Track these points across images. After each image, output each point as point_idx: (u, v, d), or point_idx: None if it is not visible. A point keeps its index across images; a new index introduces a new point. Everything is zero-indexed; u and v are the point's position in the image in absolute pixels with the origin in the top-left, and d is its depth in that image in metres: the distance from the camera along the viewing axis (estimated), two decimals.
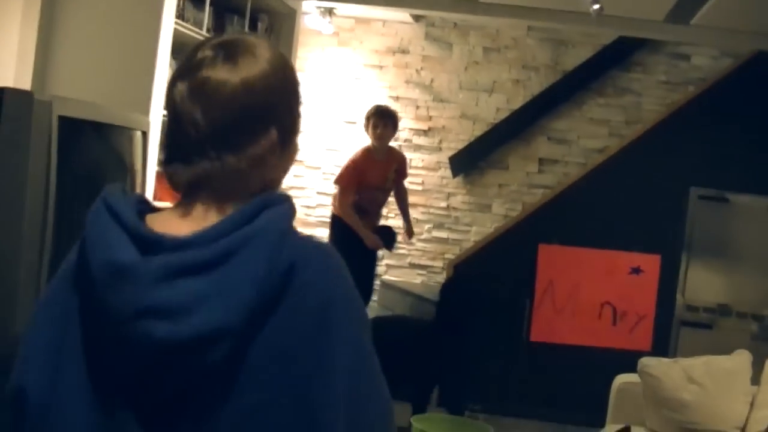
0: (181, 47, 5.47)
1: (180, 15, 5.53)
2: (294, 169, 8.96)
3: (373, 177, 7.54)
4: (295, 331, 1.55)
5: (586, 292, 7.69)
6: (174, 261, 1.52)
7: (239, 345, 1.52)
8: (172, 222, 1.64)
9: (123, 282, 1.53)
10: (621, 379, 5.74)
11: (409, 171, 8.25)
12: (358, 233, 7.40)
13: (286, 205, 1.63)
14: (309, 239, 1.65)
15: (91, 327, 1.63)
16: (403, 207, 8.04)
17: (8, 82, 4.54)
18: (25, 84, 4.71)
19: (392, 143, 7.84)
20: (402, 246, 8.90)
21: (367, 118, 7.59)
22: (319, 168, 9.31)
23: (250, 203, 1.61)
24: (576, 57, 8.83)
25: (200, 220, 1.63)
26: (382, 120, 7.51)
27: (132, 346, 1.53)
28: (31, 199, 3.42)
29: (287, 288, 1.55)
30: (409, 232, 8.09)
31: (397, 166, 7.76)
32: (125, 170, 4.19)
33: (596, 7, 6.34)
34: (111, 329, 1.56)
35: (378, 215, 7.86)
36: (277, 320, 1.54)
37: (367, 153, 7.59)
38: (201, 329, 1.49)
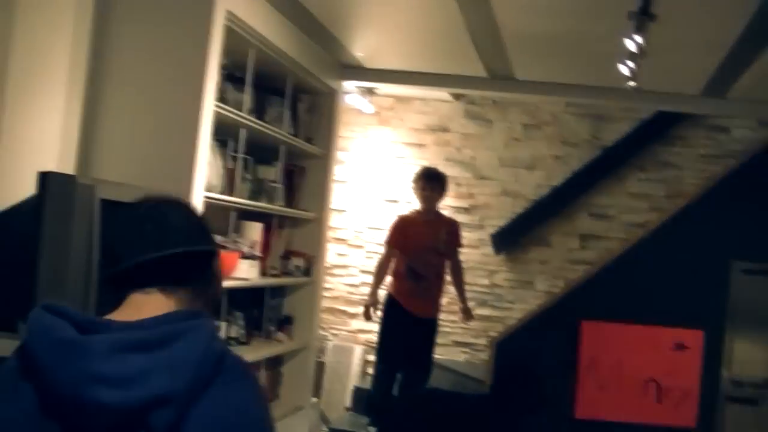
0: (222, 129, 5.56)
1: (221, 97, 5.61)
2: (337, 248, 9.07)
3: (420, 236, 7.49)
4: (226, 409, 1.82)
5: (629, 369, 7.64)
6: (122, 338, 1.77)
7: (179, 416, 1.75)
8: (120, 316, 1.93)
9: (72, 355, 1.74)
10: None
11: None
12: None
13: (211, 319, 1.95)
14: (227, 346, 1.94)
15: (44, 410, 1.81)
16: (458, 283, 7.89)
17: (52, 164, 4.63)
18: (69, 166, 4.80)
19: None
20: (445, 324, 8.88)
21: (416, 180, 7.60)
22: (362, 247, 9.36)
23: (184, 310, 1.95)
24: (615, 132, 8.87)
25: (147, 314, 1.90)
26: (430, 183, 7.52)
27: (84, 412, 1.74)
28: (73, 281, 3.47)
29: (218, 373, 1.82)
30: (466, 312, 7.94)
31: (447, 229, 7.66)
32: None
33: (632, 84, 6.38)
34: (63, 403, 1.76)
35: (436, 282, 7.65)
36: (210, 399, 1.79)
37: (414, 212, 7.67)
38: (149, 395, 1.72)
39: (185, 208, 2.08)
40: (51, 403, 1.78)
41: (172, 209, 2.04)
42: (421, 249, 7.48)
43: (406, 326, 7.50)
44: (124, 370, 1.72)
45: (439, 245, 7.57)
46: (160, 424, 1.73)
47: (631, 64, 6.04)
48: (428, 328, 7.67)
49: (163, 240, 1.97)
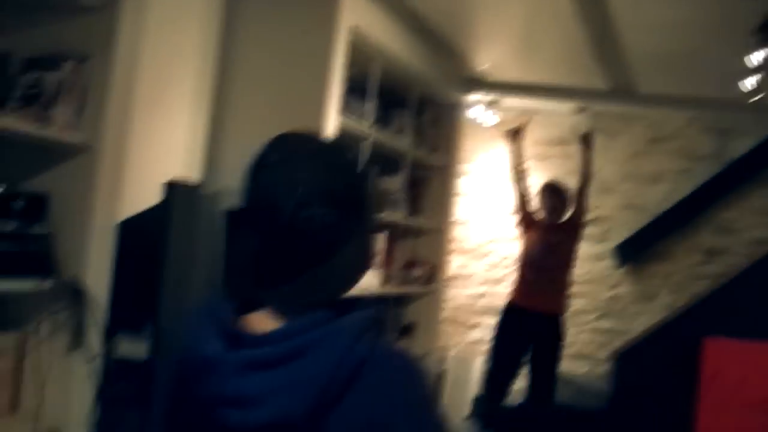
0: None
1: (345, 109, 5.74)
2: (459, 259, 9.14)
3: (541, 231, 7.36)
4: (366, 416, 1.64)
5: (753, 388, 7.52)
6: (250, 355, 1.67)
7: None
8: (265, 320, 1.76)
9: (207, 374, 1.69)
10: None
11: (576, 261, 8.00)
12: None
13: (372, 311, 1.72)
14: (392, 345, 1.72)
15: (176, 414, 1.83)
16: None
17: (178, 172, 4.80)
18: (195, 174, 4.96)
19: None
20: (567, 335, 8.83)
21: (540, 193, 7.49)
22: (485, 257, 9.41)
23: (326, 311, 1.71)
24: (741, 146, 8.74)
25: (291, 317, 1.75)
26: (556, 194, 7.41)
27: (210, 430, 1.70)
28: (197, 286, 3.62)
29: (352, 386, 1.63)
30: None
31: (565, 233, 7.43)
32: None
33: (756, 98, 6.34)
34: (193, 416, 1.74)
35: (558, 274, 7.43)
36: (338, 416, 1.63)
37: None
38: (268, 419, 1.62)
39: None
40: (180, 417, 1.81)
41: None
42: (541, 244, 7.34)
43: (523, 329, 7.37)
44: (246, 389, 1.64)
45: (557, 245, 7.38)
46: None
47: (754, 78, 6.01)
48: (551, 326, 7.46)
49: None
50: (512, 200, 7.50)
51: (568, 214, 7.48)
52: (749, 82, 6.08)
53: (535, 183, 7.72)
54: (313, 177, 1.72)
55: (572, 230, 7.47)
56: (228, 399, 1.65)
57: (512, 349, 7.47)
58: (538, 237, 7.35)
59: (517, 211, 7.46)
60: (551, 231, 7.37)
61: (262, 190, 1.73)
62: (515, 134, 7.46)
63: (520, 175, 7.41)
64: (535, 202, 7.52)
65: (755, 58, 5.54)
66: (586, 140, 7.54)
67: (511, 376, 7.50)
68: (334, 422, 1.62)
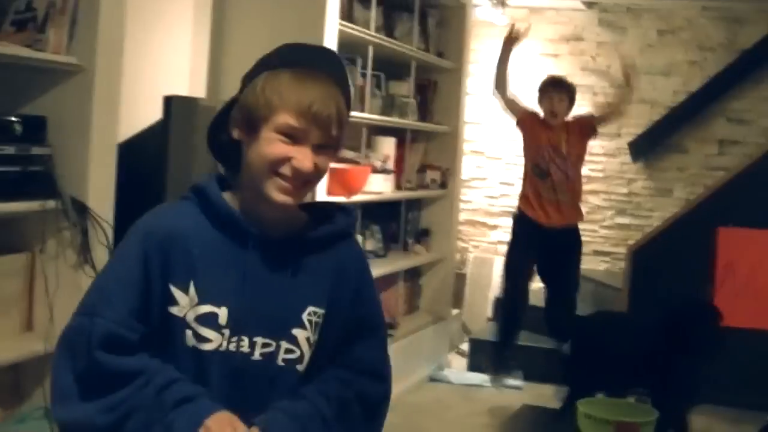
0: (349, 47, 5.69)
1: (348, 15, 5.74)
2: (475, 160, 9.16)
3: (543, 133, 6.78)
4: None
5: (767, 275, 7.54)
6: None
7: None
8: None
9: None
10: None
11: (588, 157, 7.55)
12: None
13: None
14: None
15: None
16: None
17: (182, 89, 4.83)
18: (200, 91, 4.99)
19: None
20: (585, 233, 8.74)
21: (541, 90, 6.86)
22: (501, 158, 9.43)
23: None
24: (752, 35, 8.66)
25: None
26: (557, 92, 6.76)
27: None
28: None
29: None
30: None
31: (571, 133, 6.83)
32: None
33: None
34: None
35: (565, 183, 6.79)
36: None
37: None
38: None
39: None
40: None
41: None
42: (544, 146, 6.76)
43: (534, 240, 6.86)
44: None
45: (563, 148, 6.76)
46: None
47: None
48: (565, 238, 6.96)
49: None
50: (504, 105, 7.10)
51: (575, 115, 6.98)
52: None
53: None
54: None
55: (581, 132, 6.92)
56: None
57: (528, 262, 7.04)
58: (543, 139, 6.80)
59: (512, 113, 7.03)
60: (555, 132, 6.80)
61: None
62: (511, 40, 7.01)
63: (503, 81, 7.00)
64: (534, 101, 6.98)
65: None
66: (627, 74, 7.05)
67: (523, 284, 7.11)
68: None
